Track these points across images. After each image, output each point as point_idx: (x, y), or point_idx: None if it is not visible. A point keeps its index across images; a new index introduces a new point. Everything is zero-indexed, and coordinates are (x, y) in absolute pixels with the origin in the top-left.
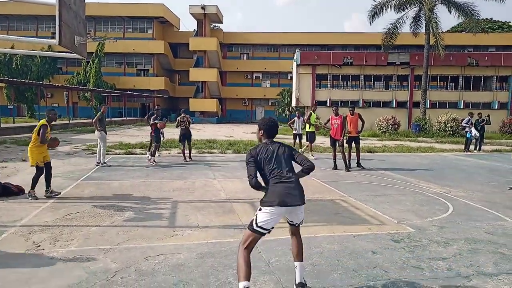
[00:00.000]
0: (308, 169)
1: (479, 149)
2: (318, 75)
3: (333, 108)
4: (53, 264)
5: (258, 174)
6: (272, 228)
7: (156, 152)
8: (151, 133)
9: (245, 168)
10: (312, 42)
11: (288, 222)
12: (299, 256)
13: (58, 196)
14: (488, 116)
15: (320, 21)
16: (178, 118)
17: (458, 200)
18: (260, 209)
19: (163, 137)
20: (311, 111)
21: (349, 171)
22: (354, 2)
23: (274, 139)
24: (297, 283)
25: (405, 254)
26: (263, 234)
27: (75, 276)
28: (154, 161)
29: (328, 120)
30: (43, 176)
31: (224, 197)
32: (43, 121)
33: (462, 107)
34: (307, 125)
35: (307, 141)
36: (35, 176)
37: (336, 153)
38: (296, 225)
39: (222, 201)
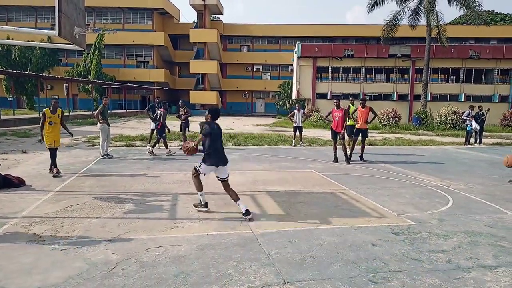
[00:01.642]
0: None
1: (480, 142)
2: (319, 67)
3: (335, 101)
4: (54, 255)
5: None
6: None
7: (157, 144)
8: (157, 126)
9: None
10: (313, 34)
11: (219, 180)
12: (238, 197)
13: (59, 175)
14: (488, 110)
15: (322, 12)
16: (185, 109)
17: (458, 193)
18: (202, 162)
19: (169, 130)
20: (350, 104)
21: (349, 164)
22: None
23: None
24: (244, 211)
25: (405, 246)
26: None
27: (76, 267)
28: (152, 152)
29: (330, 113)
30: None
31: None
32: (46, 109)
33: (463, 100)
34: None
35: (347, 135)
36: (50, 156)
37: (337, 146)
38: (224, 179)
39: (222, 193)
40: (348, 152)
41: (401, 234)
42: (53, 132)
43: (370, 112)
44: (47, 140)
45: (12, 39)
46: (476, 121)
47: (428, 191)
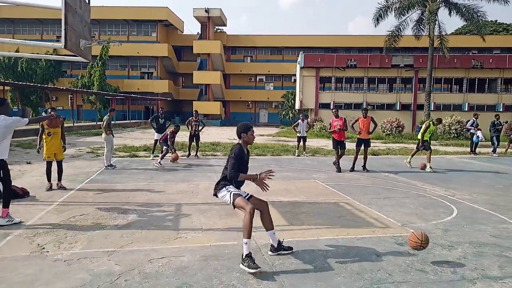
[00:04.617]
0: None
1: (494, 151)
2: (322, 77)
3: (333, 110)
4: (57, 266)
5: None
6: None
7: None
8: (163, 137)
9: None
10: (316, 45)
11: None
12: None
13: (65, 189)
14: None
15: (325, 22)
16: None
17: (463, 203)
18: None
19: (174, 150)
20: (430, 122)
21: (353, 170)
22: (359, 4)
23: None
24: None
25: (409, 257)
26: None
27: (79, 278)
28: (160, 163)
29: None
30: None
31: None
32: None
33: (466, 110)
34: (421, 134)
35: (418, 148)
36: (46, 170)
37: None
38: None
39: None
40: (358, 161)
41: (406, 244)
42: (52, 144)
43: (371, 122)
44: (46, 153)
45: (18, 51)
46: (495, 130)
47: (432, 201)
